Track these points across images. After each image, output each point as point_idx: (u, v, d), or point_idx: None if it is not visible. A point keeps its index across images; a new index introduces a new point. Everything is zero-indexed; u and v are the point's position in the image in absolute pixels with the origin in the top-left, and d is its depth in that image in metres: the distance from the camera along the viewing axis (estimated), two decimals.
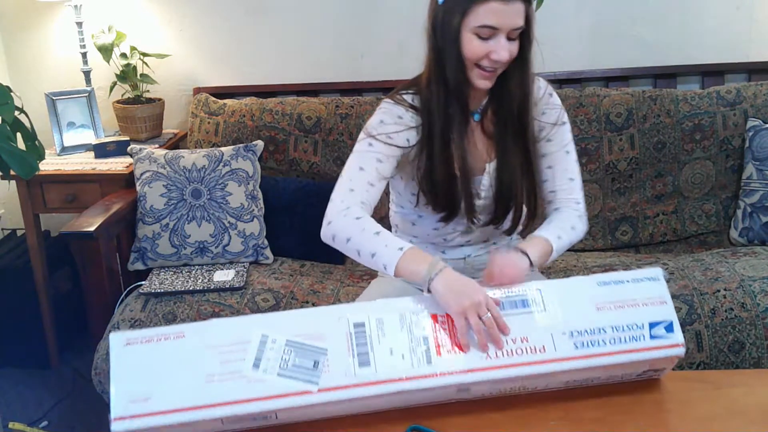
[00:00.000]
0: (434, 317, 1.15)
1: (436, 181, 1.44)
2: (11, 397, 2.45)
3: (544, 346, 1.12)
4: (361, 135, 1.45)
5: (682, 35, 2.50)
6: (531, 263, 1.33)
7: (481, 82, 1.39)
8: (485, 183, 1.49)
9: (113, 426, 1.02)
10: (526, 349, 1.12)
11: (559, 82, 2.52)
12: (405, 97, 1.46)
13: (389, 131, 1.42)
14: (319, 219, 2.35)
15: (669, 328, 1.14)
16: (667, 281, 1.91)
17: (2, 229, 2.80)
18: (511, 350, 1.11)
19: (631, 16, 2.50)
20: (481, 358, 1.10)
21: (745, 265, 1.94)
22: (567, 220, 1.46)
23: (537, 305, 1.16)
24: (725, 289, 1.86)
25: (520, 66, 1.39)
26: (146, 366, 1.07)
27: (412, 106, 1.45)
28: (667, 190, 2.31)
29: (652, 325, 1.14)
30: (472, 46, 1.34)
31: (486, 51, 1.34)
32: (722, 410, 1.13)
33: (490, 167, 1.48)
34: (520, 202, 1.49)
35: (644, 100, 2.30)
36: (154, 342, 1.09)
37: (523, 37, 1.37)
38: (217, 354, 1.07)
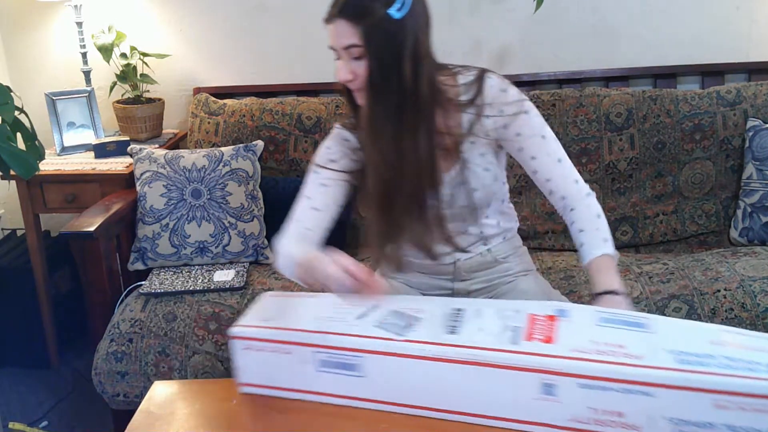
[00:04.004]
0: (532, 317, 1.15)
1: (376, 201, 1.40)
2: (11, 397, 2.45)
3: (642, 356, 1.01)
4: (310, 165, 1.48)
5: (682, 35, 2.50)
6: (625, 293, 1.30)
7: (357, 100, 1.36)
8: (446, 191, 1.44)
9: (232, 328, 1.22)
10: (620, 353, 1.02)
11: (559, 82, 2.52)
12: (354, 120, 1.45)
13: (334, 156, 1.45)
14: None
15: None
16: (667, 281, 1.92)
17: (2, 229, 2.80)
18: (604, 351, 1.03)
19: (631, 16, 2.50)
20: (571, 351, 1.04)
21: (745, 265, 1.94)
22: (589, 213, 1.40)
23: (645, 328, 1.09)
24: (725, 289, 1.86)
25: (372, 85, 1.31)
26: (280, 306, 1.29)
27: (360, 127, 1.43)
28: (667, 190, 2.31)
29: None
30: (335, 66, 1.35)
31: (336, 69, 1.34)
32: None
33: (449, 176, 1.44)
34: (482, 202, 1.46)
35: (644, 100, 2.30)
36: (293, 297, 1.33)
37: (376, 55, 1.28)
38: (334, 306, 1.24)
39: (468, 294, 1.59)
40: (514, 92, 1.42)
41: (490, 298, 1.58)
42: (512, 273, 1.59)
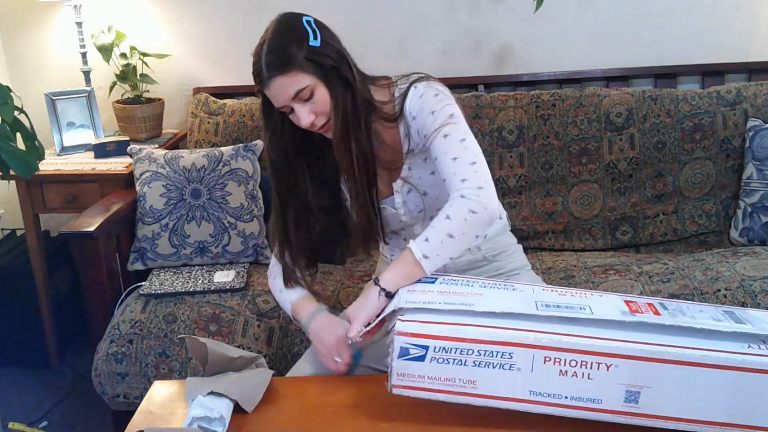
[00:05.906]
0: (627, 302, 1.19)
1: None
2: (11, 397, 2.45)
3: None
4: None
5: (682, 35, 2.50)
6: (386, 291, 1.26)
7: (327, 136, 1.43)
8: (398, 200, 1.50)
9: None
10: None
11: (559, 82, 2.52)
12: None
13: None
14: None
15: None
16: (667, 281, 1.92)
17: (2, 229, 2.80)
18: None
19: (631, 16, 2.50)
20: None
21: (745, 264, 1.94)
22: (441, 211, 1.30)
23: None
24: (726, 289, 1.86)
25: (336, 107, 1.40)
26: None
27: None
28: (667, 190, 2.31)
29: None
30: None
31: (296, 119, 1.40)
32: None
33: (397, 185, 1.49)
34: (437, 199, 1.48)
35: (644, 100, 2.30)
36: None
37: (326, 78, 1.38)
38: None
39: None
40: (430, 95, 1.42)
41: None
42: (504, 271, 1.60)
